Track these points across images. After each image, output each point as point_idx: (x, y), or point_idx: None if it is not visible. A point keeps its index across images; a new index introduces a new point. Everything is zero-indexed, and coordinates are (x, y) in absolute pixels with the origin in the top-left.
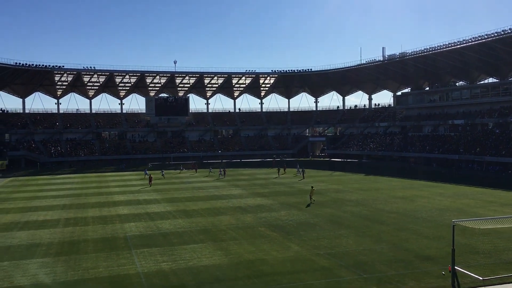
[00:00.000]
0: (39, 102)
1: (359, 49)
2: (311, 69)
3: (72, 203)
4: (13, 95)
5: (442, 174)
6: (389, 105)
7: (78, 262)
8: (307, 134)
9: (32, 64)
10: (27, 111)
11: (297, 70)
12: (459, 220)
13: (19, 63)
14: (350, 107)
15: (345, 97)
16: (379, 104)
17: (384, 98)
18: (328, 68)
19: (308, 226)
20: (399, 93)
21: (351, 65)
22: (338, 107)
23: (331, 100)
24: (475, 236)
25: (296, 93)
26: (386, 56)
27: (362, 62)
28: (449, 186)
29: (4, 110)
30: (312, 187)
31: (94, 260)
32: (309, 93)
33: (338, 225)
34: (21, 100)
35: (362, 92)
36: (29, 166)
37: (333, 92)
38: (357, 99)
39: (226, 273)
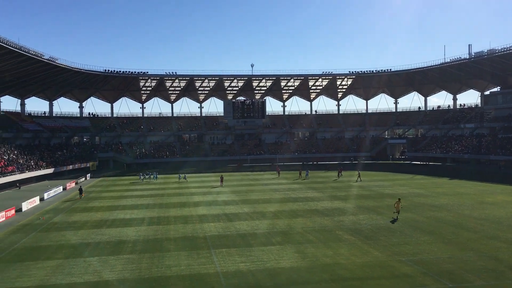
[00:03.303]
0: (126, 107)
1: (443, 47)
2: (390, 69)
3: (155, 203)
4: (102, 100)
5: None
6: (476, 105)
7: (161, 259)
8: (386, 136)
9: (120, 71)
10: (115, 115)
11: (375, 70)
12: None
13: (108, 70)
14: (433, 108)
15: (427, 98)
16: (464, 105)
17: (470, 98)
18: (409, 68)
19: (388, 231)
20: (487, 92)
21: (434, 64)
22: (419, 108)
23: (411, 101)
24: None
25: (374, 94)
26: (473, 54)
27: (446, 61)
28: None
29: (95, 114)
30: (399, 199)
31: (176, 258)
32: (388, 94)
33: (420, 231)
34: (109, 105)
35: (446, 92)
36: (116, 166)
37: (414, 92)
38: (440, 99)
39: (304, 276)
